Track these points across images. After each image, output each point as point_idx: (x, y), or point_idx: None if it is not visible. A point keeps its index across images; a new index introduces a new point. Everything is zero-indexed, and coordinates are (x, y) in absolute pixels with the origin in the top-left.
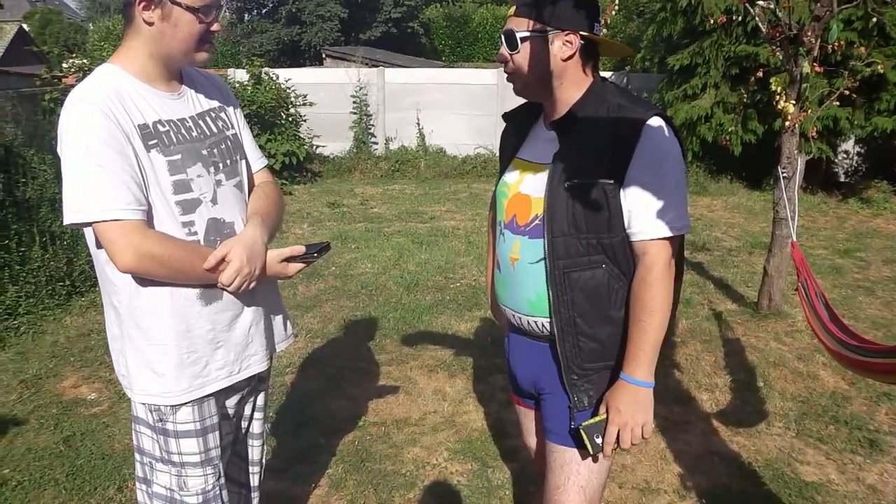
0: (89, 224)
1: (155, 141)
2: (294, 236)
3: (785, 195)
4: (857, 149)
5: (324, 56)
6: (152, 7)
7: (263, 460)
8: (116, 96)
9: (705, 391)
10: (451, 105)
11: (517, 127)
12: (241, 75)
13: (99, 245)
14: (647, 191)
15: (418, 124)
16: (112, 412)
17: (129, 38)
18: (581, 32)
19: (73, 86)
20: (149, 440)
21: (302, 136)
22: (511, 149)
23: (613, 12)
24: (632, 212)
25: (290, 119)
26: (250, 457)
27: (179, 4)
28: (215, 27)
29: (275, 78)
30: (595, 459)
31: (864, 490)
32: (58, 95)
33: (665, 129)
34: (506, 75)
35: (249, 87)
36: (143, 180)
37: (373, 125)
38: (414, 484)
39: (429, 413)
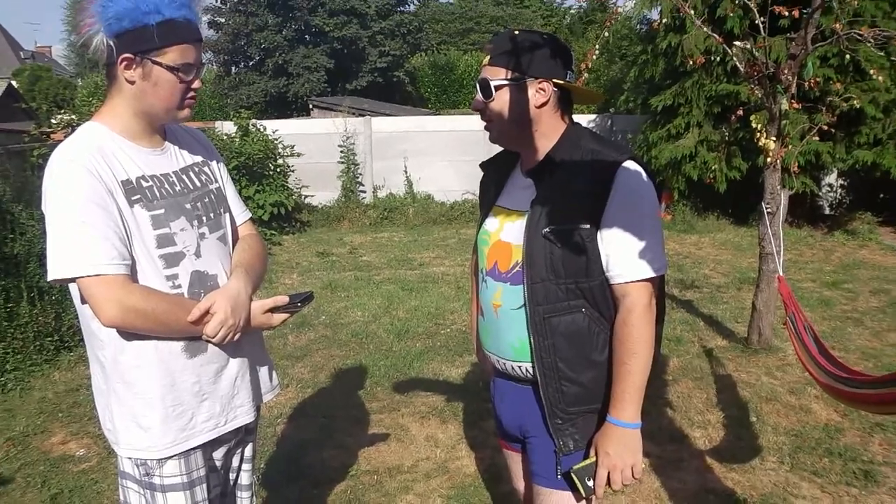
0: (73, 279)
1: (138, 196)
2: (284, 286)
3: (770, 230)
4: (841, 182)
5: (311, 107)
6: (133, 66)
7: None
8: (100, 153)
9: (698, 428)
10: (438, 152)
11: (495, 175)
12: (228, 127)
13: (84, 300)
14: (625, 234)
15: (406, 172)
16: (101, 468)
17: (112, 97)
18: (554, 80)
19: (61, 142)
20: (136, 495)
21: (290, 186)
22: (490, 197)
23: (595, 56)
24: (610, 255)
25: (278, 170)
26: None
27: (160, 64)
28: (196, 84)
29: (262, 129)
30: (589, 502)
31: None
32: (46, 151)
33: (639, 171)
34: (484, 122)
35: (237, 139)
36: (127, 235)
37: (360, 174)
38: None
39: (421, 460)
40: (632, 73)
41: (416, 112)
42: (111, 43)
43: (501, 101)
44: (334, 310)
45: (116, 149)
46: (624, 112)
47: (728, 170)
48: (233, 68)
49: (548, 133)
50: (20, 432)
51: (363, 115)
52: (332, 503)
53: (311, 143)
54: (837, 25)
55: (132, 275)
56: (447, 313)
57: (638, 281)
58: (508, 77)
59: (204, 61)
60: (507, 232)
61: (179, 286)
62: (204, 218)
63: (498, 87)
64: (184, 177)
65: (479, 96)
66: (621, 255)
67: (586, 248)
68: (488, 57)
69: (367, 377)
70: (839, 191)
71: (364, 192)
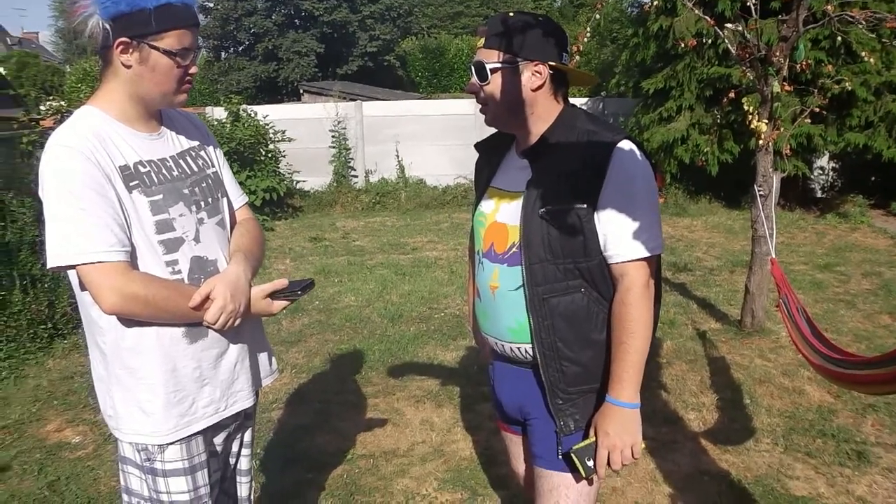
0: (72, 267)
1: (136, 182)
2: (277, 272)
3: (762, 213)
4: (832, 164)
5: (301, 91)
6: (130, 50)
7: (252, 497)
8: (96, 138)
9: (692, 410)
10: (430, 136)
11: (490, 156)
12: (219, 113)
13: (83, 287)
14: (621, 213)
15: (397, 156)
16: (97, 455)
17: (108, 80)
18: (549, 62)
19: (51, 128)
20: (137, 480)
21: (282, 171)
22: (485, 178)
23: (586, 39)
24: (607, 235)
25: (270, 155)
26: (239, 494)
27: (157, 48)
28: (193, 70)
29: (253, 115)
30: (590, 482)
31: (854, 503)
32: (35, 138)
33: (635, 151)
34: (479, 105)
35: (228, 125)
36: (126, 221)
37: (352, 159)
38: None
39: (417, 443)
40: (623, 57)
41: (407, 96)
42: (107, 26)
43: (497, 84)
44: (328, 295)
45: (113, 134)
46: (615, 95)
47: (720, 153)
48: (222, 53)
49: (543, 115)
50: (15, 420)
51: (354, 100)
52: (328, 487)
53: (302, 128)
54: (829, 7)
55: (132, 261)
56: (441, 297)
57: (635, 260)
58: (503, 60)
59: (200, 45)
60: (502, 213)
61: (179, 272)
62: (202, 203)
63: (493, 70)
64: (181, 161)
65: (475, 79)
66: (618, 234)
67: (583, 227)
68: (482, 39)
69: (362, 362)
70: (831, 173)
71: (356, 176)
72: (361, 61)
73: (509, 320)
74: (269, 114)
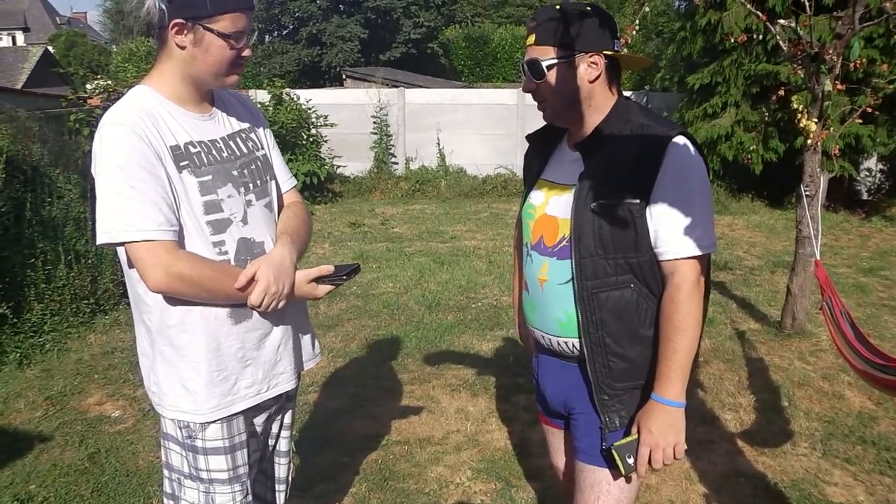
0: (121, 244)
1: (186, 162)
2: (316, 256)
3: (808, 213)
4: (880, 166)
5: (344, 77)
6: (185, 32)
7: (290, 478)
8: (149, 118)
9: (729, 411)
10: (472, 125)
11: (540, 148)
12: (262, 96)
13: (131, 264)
14: (674, 210)
15: (438, 144)
16: (136, 429)
17: (162, 61)
18: (605, 52)
19: (97, 106)
20: (177, 456)
21: (323, 156)
22: (535, 170)
23: (634, 32)
24: (659, 231)
25: (311, 139)
26: (277, 475)
27: (212, 30)
28: (246, 52)
29: (296, 99)
30: (628, 480)
31: None
32: (83, 116)
33: (690, 147)
34: (536, 102)
35: (270, 108)
36: (175, 201)
37: (393, 145)
38: (437, 503)
39: (452, 432)
40: (669, 51)
41: (450, 84)
42: (163, 7)
43: (554, 80)
44: (366, 280)
45: (165, 113)
46: (660, 90)
47: (764, 151)
48: (266, 37)
49: (600, 106)
50: (58, 392)
51: (397, 87)
52: (362, 472)
53: (345, 113)
54: (888, 4)
55: (179, 241)
56: (479, 287)
57: (687, 258)
58: (559, 54)
59: (254, 28)
60: (553, 206)
61: (226, 253)
62: (251, 185)
63: (550, 67)
64: (231, 143)
65: (530, 78)
66: (670, 231)
67: (635, 223)
68: (533, 36)
69: (398, 348)
70: (878, 175)
71: (396, 163)
72: (405, 48)
73: (558, 313)
74: (311, 98)
